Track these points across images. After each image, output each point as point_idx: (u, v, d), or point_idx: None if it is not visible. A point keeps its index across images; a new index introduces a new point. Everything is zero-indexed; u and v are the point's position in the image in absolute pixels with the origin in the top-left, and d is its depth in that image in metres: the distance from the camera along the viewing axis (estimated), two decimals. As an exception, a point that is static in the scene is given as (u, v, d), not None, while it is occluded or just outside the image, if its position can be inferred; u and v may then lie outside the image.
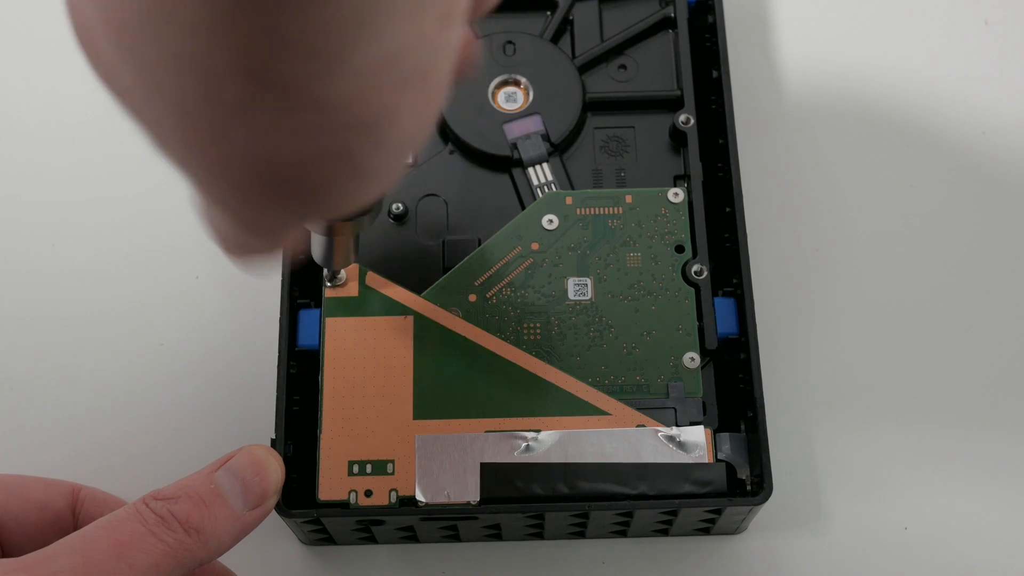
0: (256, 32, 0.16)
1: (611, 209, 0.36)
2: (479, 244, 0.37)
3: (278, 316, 0.35)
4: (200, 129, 0.19)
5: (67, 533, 0.28)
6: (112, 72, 0.19)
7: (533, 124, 0.38)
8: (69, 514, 0.32)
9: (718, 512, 0.33)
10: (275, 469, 0.31)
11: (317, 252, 0.31)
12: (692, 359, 0.35)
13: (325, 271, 0.35)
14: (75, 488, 0.32)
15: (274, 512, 0.33)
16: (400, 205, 0.37)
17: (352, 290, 0.35)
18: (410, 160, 0.38)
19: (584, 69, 0.39)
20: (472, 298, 0.35)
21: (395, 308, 0.35)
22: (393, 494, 0.33)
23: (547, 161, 0.38)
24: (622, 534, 0.36)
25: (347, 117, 0.19)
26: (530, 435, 0.33)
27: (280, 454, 0.33)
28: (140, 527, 0.27)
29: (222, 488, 0.29)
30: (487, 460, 0.33)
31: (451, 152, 0.39)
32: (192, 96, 0.18)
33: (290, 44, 0.17)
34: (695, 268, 0.36)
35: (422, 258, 0.37)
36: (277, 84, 0.17)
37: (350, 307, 0.35)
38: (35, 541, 0.30)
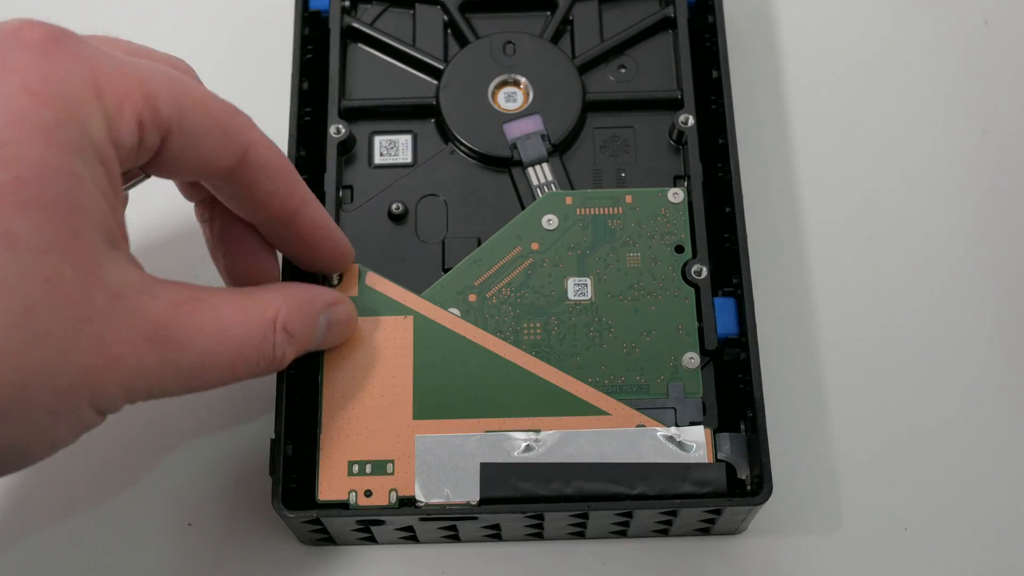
0: None
1: (611, 209, 0.36)
2: (479, 244, 0.37)
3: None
4: None
5: (221, 178, 0.29)
6: None
7: (533, 124, 0.38)
8: (233, 168, 0.30)
9: (718, 512, 0.33)
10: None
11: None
12: (692, 359, 0.35)
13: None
14: (247, 145, 0.30)
15: (274, 512, 0.33)
16: (400, 205, 0.37)
17: (352, 290, 0.35)
18: (409, 159, 0.38)
19: (584, 69, 0.39)
20: (472, 298, 0.35)
21: (395, 308, 0.35)
22: (393, 494, 0.33)
23: (547, 161, 0.38)
24: (622, 534, 0.36)
25: None
26: (530, 435, 0.33)
27: (280, 454, 0.33)
28: (254, 350, 0.29)
29: (316, 328, 0.32)
30: (487, 460, 0.33)
31: (451, 152, 0.39)
32: None
33: None
34: (695, 268, 0.36)
35: (422, 258, 0.37)
36: None
37: (350, 307, 0.35)
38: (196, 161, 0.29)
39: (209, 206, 0.32)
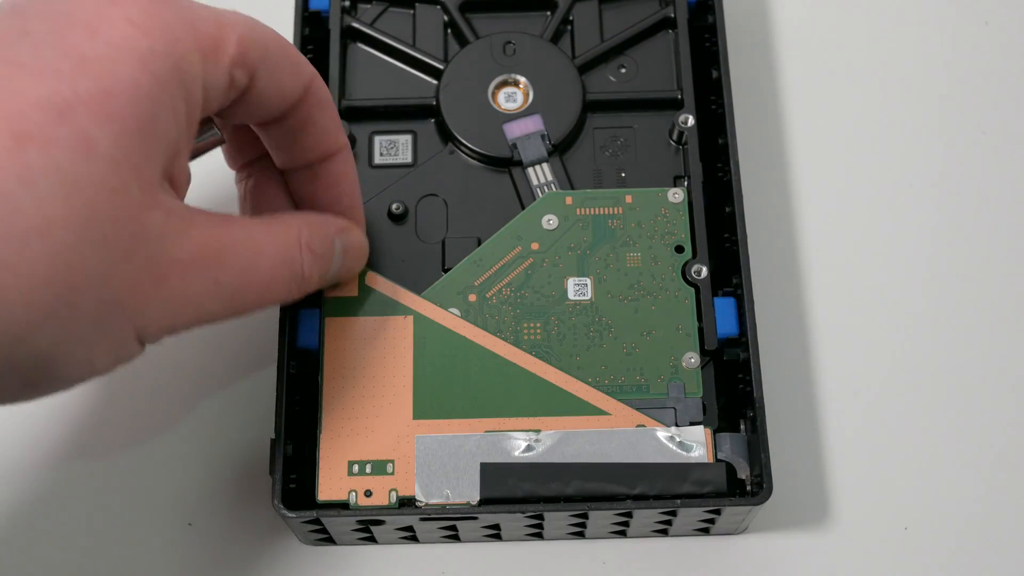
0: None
1: (611, 209, 0.36)
2: (479, 244, 0.37)
3: (278, 316, 0.35)
4: None
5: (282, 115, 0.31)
6: None
7: (533, 124, 0.38)
8: (299, 99, 0.32)
9: (718, 512, 0.33)
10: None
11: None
12: (692, 359, 0.35)
13: None
14: (311, 77, 0.31)
15: (274, 512, 0.33)
16: (400, 205, 0.37)
17: (352, 290, 0.35)
18: (409, 160, 0.38)
19: (584, 69, 0.39)
20: (472, 298, 0.35)
21: (395, 308, 0.35)
22: (393, 494, 0.33)
23: (547, 161, 0.38)
24: (622, 534, 0.36)
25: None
26: (530, 435, 0.33)
27: (280, 454, 0.33)
28: (287, 269, 0.30)
29: (334, 252, 0.33)
30: (487, 460, 0.33)
31: (451, 152, 0.39)
32: None
33: None
34: (695, 268, 0.36)
35: (422, 258, 0.37)
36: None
37: (350, 307, 0.35)
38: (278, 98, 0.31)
39: (249, 164, 0.34)
